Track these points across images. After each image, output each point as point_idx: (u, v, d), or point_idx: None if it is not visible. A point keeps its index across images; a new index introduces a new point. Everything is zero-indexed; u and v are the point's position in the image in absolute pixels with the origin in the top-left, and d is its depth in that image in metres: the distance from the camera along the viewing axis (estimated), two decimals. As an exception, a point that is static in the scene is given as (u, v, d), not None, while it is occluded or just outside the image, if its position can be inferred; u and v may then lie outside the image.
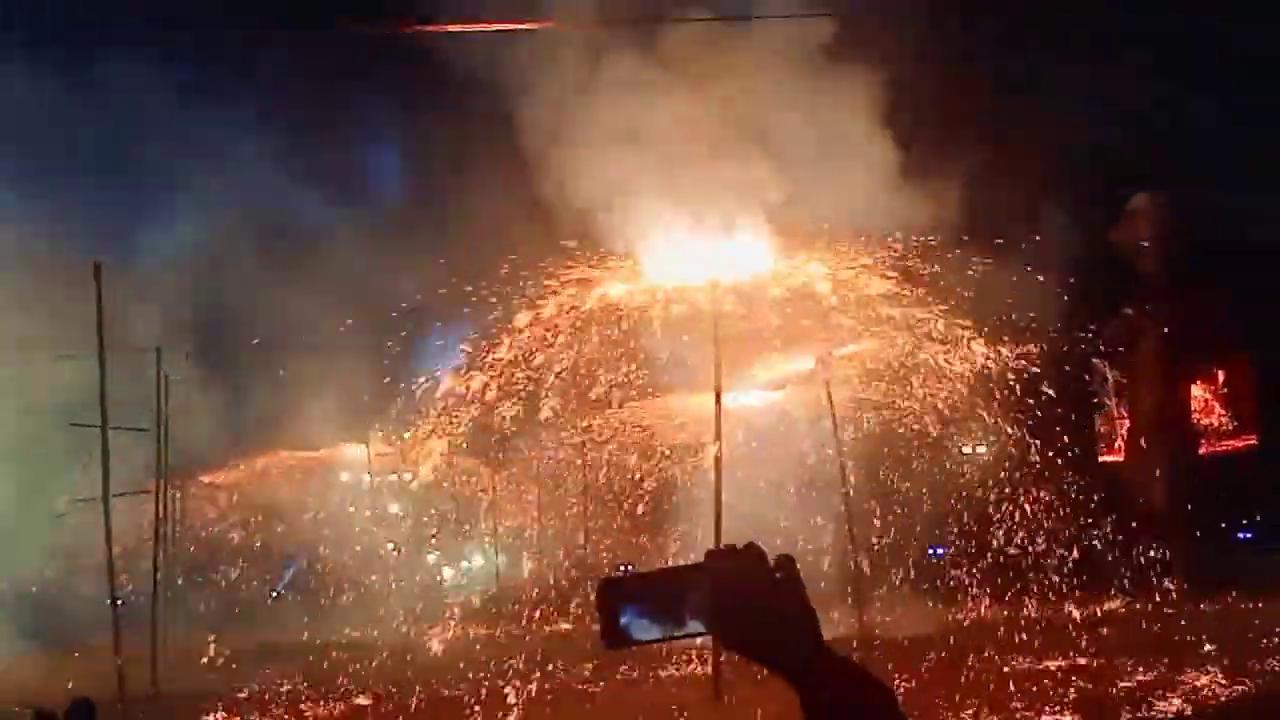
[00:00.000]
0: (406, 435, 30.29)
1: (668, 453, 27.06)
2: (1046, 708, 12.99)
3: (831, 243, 23.84)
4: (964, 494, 25.65)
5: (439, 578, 32.03)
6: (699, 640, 15.81)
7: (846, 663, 1.38)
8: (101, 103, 25.99)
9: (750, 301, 25.16)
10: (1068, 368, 26.89)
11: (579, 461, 28.86)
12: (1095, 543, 25.23)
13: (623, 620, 1.41)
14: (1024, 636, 18.22)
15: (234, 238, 27.07)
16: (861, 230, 23.43)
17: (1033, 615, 21.66)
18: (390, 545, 30.84)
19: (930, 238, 21.51)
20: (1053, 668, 16.05)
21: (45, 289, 23.60)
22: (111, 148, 27.19)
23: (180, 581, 26.65)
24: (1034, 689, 14.02)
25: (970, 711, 12.73)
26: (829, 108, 19.77)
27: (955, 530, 26.52)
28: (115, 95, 25.83)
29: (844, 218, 21.81)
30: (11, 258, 24.16)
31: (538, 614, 25.08)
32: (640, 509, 27.92)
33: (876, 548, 25.98)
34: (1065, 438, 24.63)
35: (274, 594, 31.84)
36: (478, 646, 21.53)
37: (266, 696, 16.48)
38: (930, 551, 28.47)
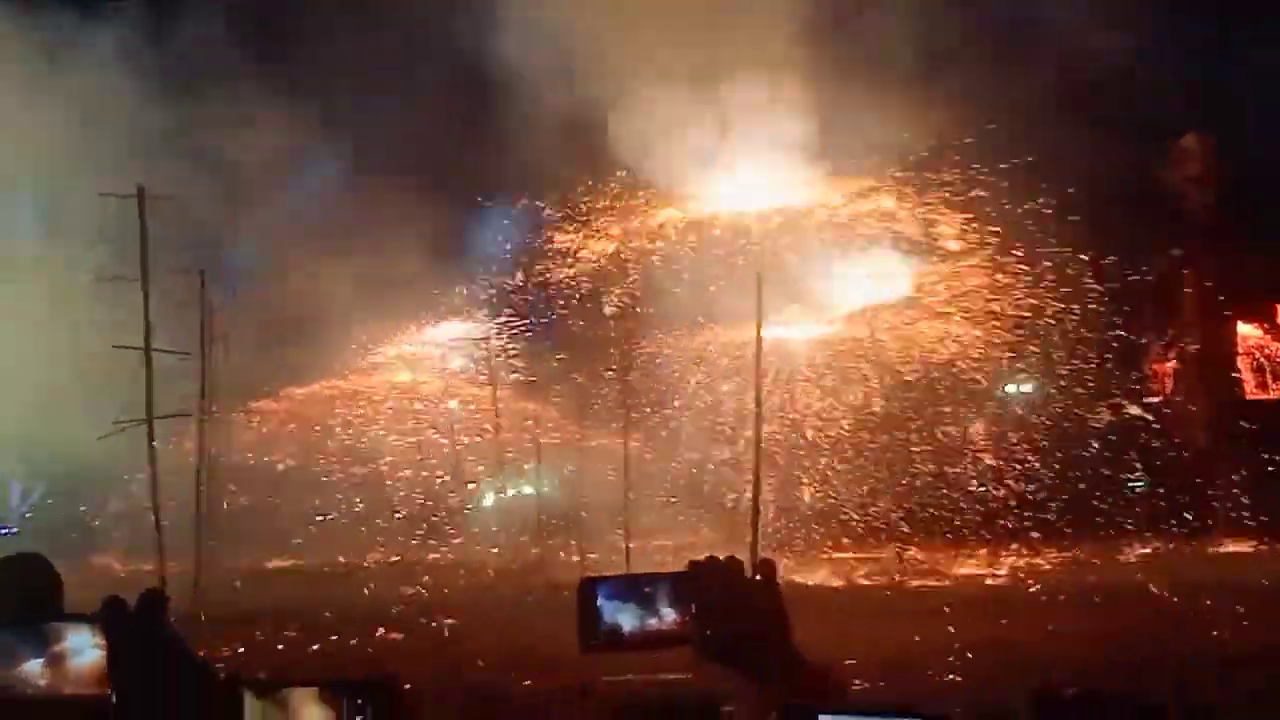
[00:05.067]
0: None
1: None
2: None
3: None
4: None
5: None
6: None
7: (814, 666, 1.47)
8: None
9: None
10: (1116, 317, 26.57)
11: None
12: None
13: (603, 615, 1.42)
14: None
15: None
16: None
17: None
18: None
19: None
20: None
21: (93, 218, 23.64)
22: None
23: (225, 505, 26.56)
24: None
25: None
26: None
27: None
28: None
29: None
30: (59, 183, 24.19)
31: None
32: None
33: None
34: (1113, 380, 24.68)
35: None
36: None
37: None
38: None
